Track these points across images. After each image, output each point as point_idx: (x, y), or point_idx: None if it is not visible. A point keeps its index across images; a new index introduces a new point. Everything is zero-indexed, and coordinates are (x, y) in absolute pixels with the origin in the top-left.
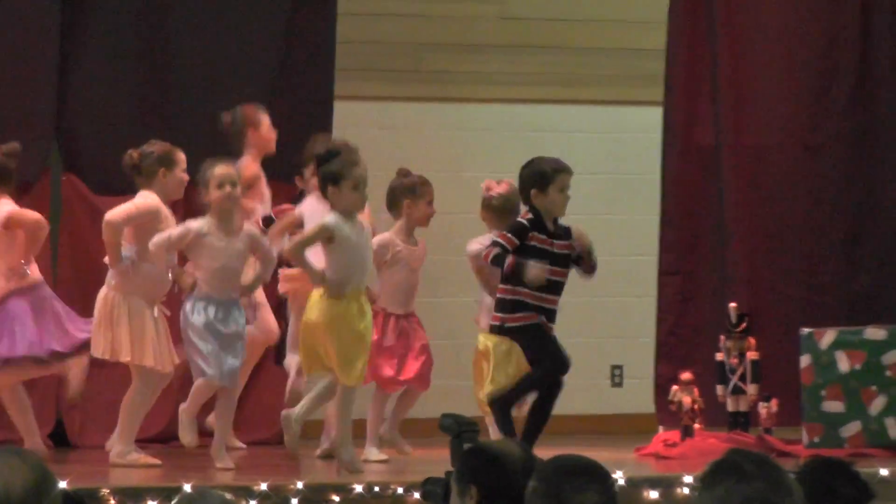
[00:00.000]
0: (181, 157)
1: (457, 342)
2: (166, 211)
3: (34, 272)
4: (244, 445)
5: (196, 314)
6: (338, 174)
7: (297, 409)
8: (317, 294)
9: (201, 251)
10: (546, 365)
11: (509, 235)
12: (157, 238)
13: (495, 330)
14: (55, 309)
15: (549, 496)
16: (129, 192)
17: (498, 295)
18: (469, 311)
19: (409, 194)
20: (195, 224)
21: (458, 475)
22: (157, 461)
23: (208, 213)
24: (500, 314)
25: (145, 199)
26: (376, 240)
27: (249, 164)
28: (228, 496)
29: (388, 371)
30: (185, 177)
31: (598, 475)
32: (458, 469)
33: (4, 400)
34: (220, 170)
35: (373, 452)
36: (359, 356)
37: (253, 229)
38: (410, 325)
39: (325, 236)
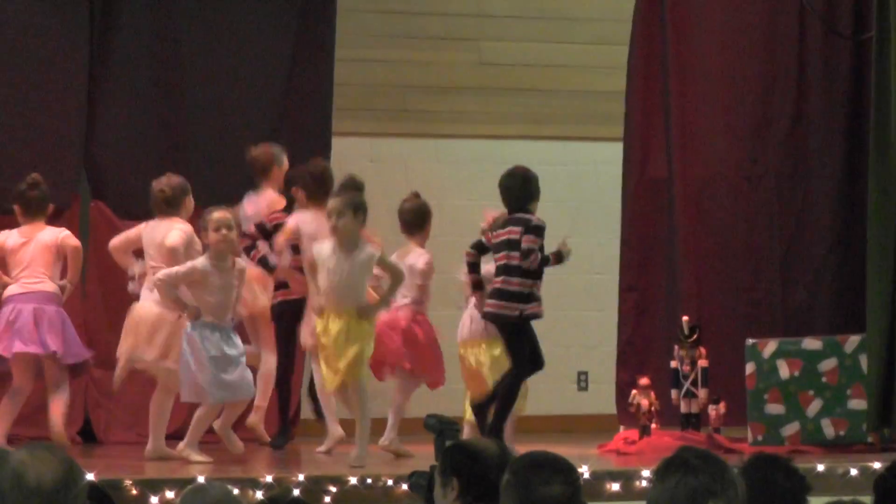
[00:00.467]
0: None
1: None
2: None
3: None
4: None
5: (203, 341)
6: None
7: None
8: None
9: (203, 287)
10: (535, 360)
11: (539, 239)
12: (165, 273)
13: (514, 319)
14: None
15: (519, 487)
16: (148, 217)
17: (515, 288)
18: (451, 322)
19: (430, 215)
20: (199, 264)
21: (441, 469)
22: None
23: (207, 253)
24: (518, 304)
25: (185, 229)
26: (427, 260)
27: (279, 199)
28: (231, 487)
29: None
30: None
31: (563, 468)
32: (441, 463)
33: None
34: (217, 214)
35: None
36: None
37: (241, 263)
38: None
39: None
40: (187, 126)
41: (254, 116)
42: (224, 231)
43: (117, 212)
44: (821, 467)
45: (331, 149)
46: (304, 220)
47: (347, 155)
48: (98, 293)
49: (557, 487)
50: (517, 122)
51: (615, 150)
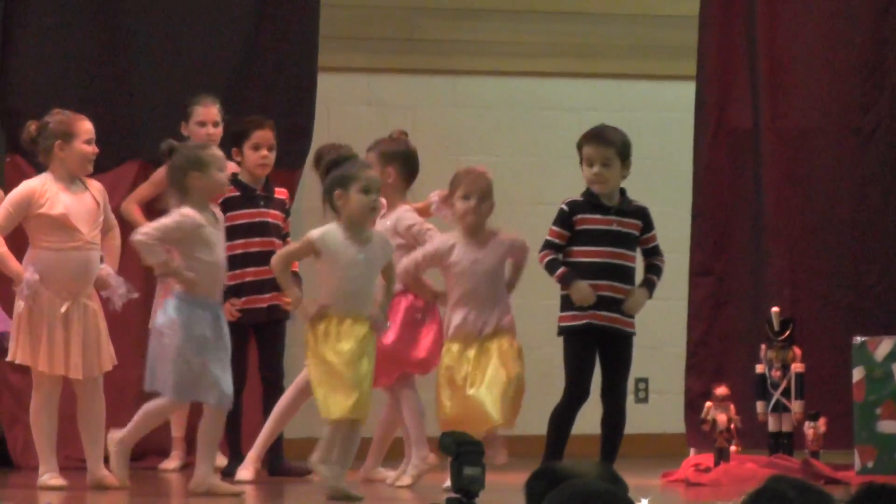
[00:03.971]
0: (84, 126)
1: None
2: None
3: None
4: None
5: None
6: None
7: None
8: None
9: (194, 245)
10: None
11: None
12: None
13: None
14: None
15: None
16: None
17: None
18: None
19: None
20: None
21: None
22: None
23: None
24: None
25: (24, 186)
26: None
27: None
28: None
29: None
30: (90, 149)
31: (617, 503)
32: (528, 496)
33: None
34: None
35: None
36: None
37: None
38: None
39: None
40: (131, 62)
41: (217, 49)
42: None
43: (38, 167)
44: None
45: (315, 89)
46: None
47: (337, 96)
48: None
49: None
50: (557, 55)
51: (684, 93)
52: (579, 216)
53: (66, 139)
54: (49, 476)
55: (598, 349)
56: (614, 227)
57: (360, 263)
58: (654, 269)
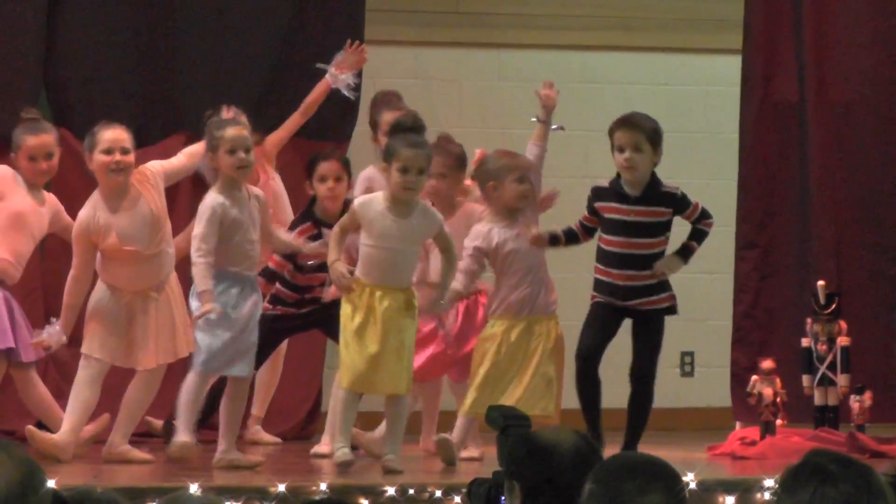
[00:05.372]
0: (103, 136)
1: None
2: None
3: None
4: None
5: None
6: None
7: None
8: None
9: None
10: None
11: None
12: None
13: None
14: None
15: (606, 498)
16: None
17: None
18: None
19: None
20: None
21: (506, 471)
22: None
23: (219, 183)
24: None
25: (77, 223)
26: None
27: None
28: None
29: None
30: (108, 158)
31: (663, 474)
32: (505, 463)
33: None
34: (232, 132)
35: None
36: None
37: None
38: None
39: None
40: (177, 35)
41: (264, 22)
42: (241, 154)
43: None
44: None
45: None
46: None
47: (383, 70)
48: (62, 250)
49: (654, 497)
50: (602, 28)
51: (730, 66)
52: (600, 203)
53: (90, 150)
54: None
55: (632, 330)
56: (632, 218)
57: (393, 235)
58: (696, 235)
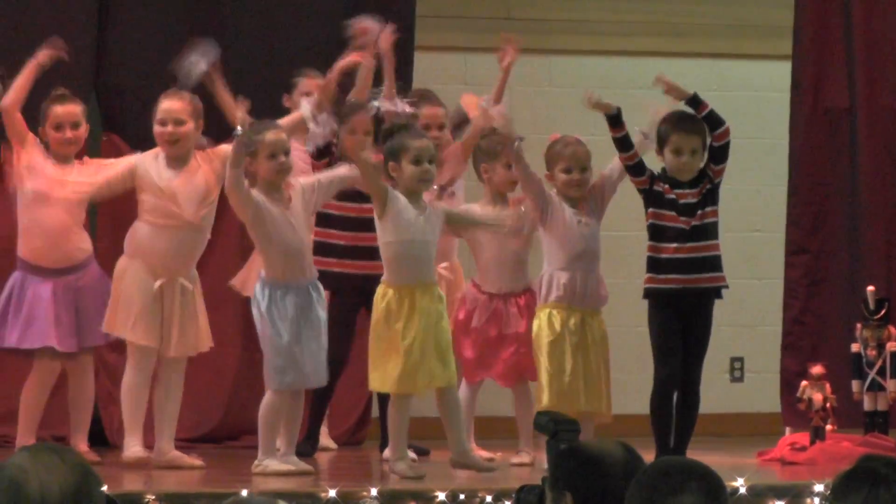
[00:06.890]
0: (160, 106)
1: None
2: None
3: None
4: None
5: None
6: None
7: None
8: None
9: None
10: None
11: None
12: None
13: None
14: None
15: (640, 499)
16: None
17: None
18: None
19: (484, 158)
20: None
21: (553, 480)
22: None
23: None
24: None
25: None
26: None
27: None
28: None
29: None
30: (160, 129)
31: (699, 474)
32: (552, 473)
33: None
34: (272, 136)
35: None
36: (380, 359)
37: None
38: (507, 307)
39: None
40: (227, 41)
41: (314, 28)
42: (281, 158)
43: (134, 146)
44: None
45: (412, 67)
46: None
47: (434, 74)
48: (111, 247)
49: (690, 497)
50: (652, 34)
51: (780, 72)
52: (655, 187)
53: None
54: (135, 449)
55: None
56: (679, 225)
57: (419, 226)
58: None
